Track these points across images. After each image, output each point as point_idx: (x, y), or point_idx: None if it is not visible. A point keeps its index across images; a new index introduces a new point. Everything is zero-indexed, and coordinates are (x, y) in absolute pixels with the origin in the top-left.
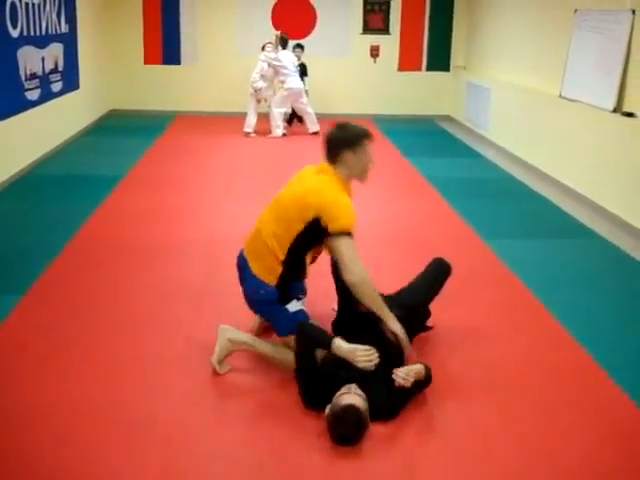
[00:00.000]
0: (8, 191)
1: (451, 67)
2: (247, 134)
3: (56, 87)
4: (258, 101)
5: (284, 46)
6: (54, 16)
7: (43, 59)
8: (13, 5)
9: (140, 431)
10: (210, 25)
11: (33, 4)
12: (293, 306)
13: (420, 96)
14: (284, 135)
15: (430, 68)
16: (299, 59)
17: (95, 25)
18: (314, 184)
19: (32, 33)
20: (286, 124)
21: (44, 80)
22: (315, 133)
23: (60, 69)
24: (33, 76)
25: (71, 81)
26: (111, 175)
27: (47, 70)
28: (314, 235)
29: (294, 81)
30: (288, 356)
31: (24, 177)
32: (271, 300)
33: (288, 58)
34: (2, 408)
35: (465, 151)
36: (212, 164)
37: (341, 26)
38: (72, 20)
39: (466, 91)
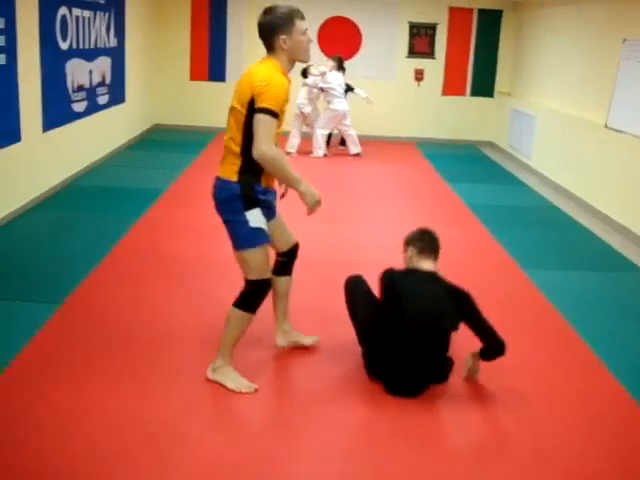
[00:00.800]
0: (51, 201)
1: (495, 93)
2: (289, 154)
3: (102, 100)
4: (307, 124)
5: (340, 68)
6: (103, 30)
7: (91, 72)
8: (64, 18)
9: (171, 448)
10: (256, 44)
11: (83, 17)
12: (254, 219)
13: (463, 121)
14: (325, 156)
15: (474, 93)
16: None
17: (143, 40)
18: (252, 70)
19: (81, 46)
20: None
21: (91, 93)
22: (357, 155)
23: (107, 82)
24: (80, 88)
25: (117, 94)
26: (152, 189)
27: (94, 83)
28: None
29: (340, 103)
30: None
31: (67, 187)
32: (234, 196)
33: (337, 80)
34: (33, 416)
35: (507, 178)
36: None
37: (386, 49)
38: (121, 34)
39: (510, 118)
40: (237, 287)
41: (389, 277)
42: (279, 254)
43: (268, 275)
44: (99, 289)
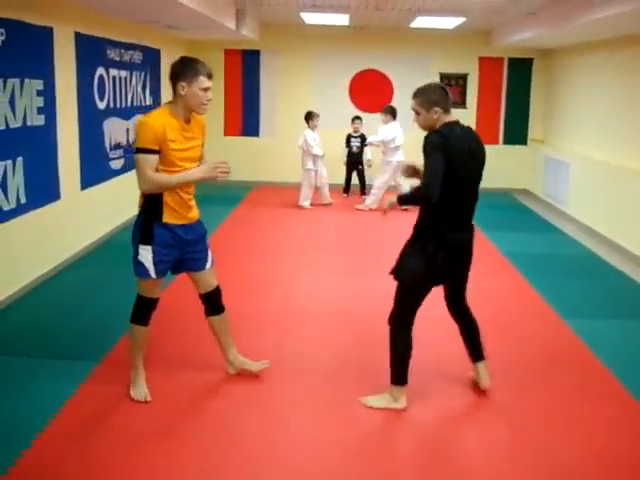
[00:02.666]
0: (89, 257)
1: (528, 140)
2: (300, 207)
3: None
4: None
5: (394, 117)
6: (139, 89)
7: (127, 130)
8: (101, 78)
9: None
10: (289, 100)
11: (120, 77)
12: (143, 254)
13: (497, 169)
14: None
15: (507, 141)
16: (358, 130)
17: None
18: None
19: (118, 105)
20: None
21: (128, 150)
22: (406, 210)
23: None
24: (117, 146)
25: None
26: None
27: (131, 140)
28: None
29: (400, 154)
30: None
31: (105, 243)
32: (136, 228)
33: (396, 131)
34: (77, 478)
35: (543, 226)
36: (287, 233)
37: None
38: (156, 92)
39: (544, 165)
40: (271, 340)
41: (442, 139)
42: (199, 295)
43: (152, 295)
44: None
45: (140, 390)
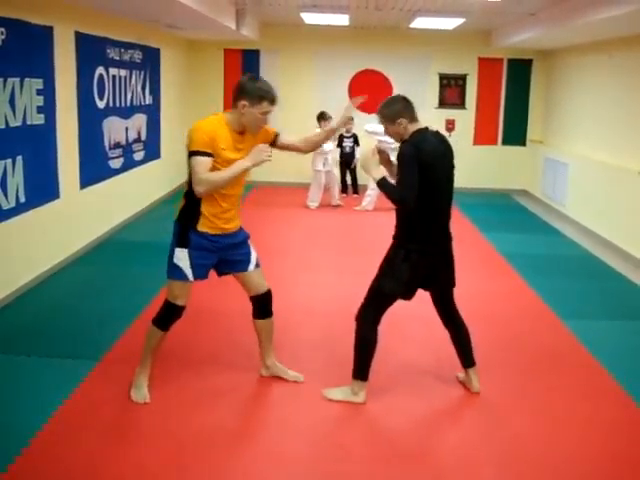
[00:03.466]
0: (89, 256)
1: (527, 141)
2: (308, 207)
3: (138, 156)
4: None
5: None
6: (139, 88)
7: (127, 129)
8: (101, 77)
9: None
10: (289, 100)
11: (120, 77)
12: (177, 257)
13: (495, 170)
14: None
15: (506, 142)
16: (350, 130)
17: (178, 97)
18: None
19: (117, 104)
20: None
21: (127, 149)
22: None
23: (143, 139)
24: (117, 145)
25: (153, 150)
26: None
27: (130, 140)
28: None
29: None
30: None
31: (104, 242)
32: (174, 232)
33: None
34: (75, 476)
35: (542, 226)
36: (288, 233)
37: (416, 100)
38: (156, 92)
39: (543, 166)
40: (282, 341)
41: (414, 149)
42: (250, 298)
43: (180, 302)
44: (137, 345)
45: (141, 392)
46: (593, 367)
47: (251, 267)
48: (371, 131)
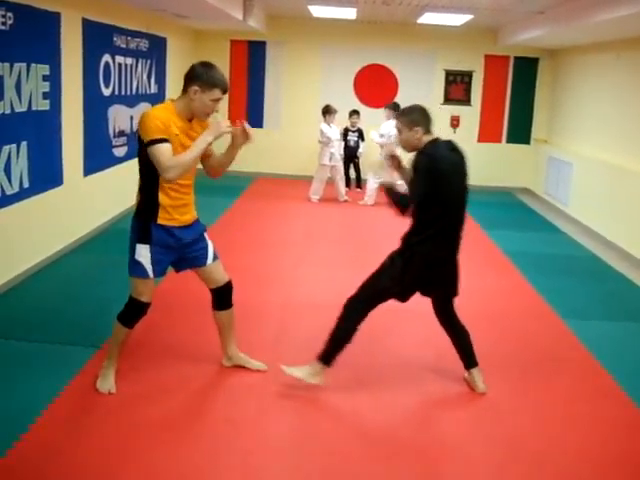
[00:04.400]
0: (90, 244)
1: (532, 140)
2: (310, 200)
3: None
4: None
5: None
6: (145, 77)
7: (132, 118)
8: (107, 65)
9: None
10: (294, 92)
11: (126, 65)
12: (140, 253)
13: (499, 168)
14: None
15: (510, 140)
16: (355, 125)
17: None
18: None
19: (123, 92)
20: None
21: (131, 138)
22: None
23: None
24: (121, 134)
25: None
26: None
27: (135, 128)
28: (147, 156)
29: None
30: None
31: (106, 231)
32: (133, 228)
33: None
34: (71, 459)
35: (544, 226)
36: (289, 226)
37: (422, 95)
38: (161, 81)
39: (547, 165)
40: (270, 332)
41: (429, 161)
42: (210, 290)
43: (144, 299)
44: (137, 333)
45: (107, 383)
46: (593, 367)
47: (209, 261)
48: (378, 141)
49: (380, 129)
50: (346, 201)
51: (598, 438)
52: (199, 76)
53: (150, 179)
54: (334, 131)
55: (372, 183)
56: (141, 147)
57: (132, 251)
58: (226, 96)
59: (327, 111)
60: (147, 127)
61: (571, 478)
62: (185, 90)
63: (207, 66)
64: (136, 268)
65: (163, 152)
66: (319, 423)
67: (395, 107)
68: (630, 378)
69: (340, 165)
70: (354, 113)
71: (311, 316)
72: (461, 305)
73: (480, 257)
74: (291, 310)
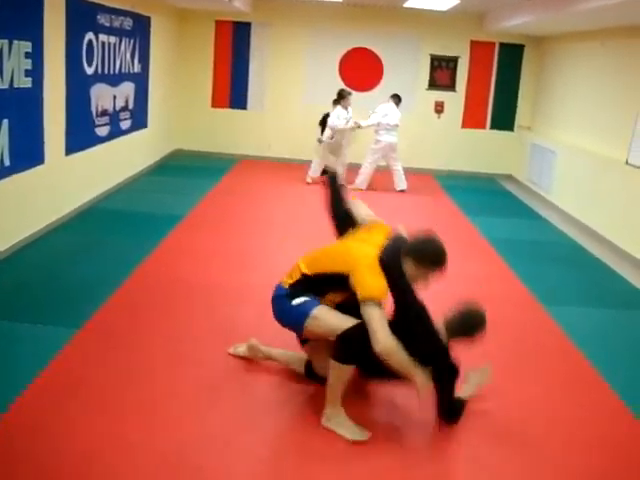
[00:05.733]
0: (72, 224)
1: (515, 127)
2: (308, 184)
3: (125, 125)
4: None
5: (397, 104)
6: (128, 56)
7: (115, 97)
8: (90, 43)
9: (187, 477)
10: (278, 74)
11: (109, 43)
12: (296, 301)
13: (482, 154)
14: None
15: (494, 127)
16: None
17: (166, 67)
18: (368, 250)
19: (106, 71)
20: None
21: (114, 117)
22: (402, 191)
23: (130, 107)
24: (104, 113)
25: (140, 120)
26: (172, 214)
27: (118, 108)
28: (336, 282)
29: (392, 136)
30: (297, 362)
31: (88, 210)
32: (281, 295)
33: (391, 111)
34: (51, 441)
35: (526, 212)
36: (274, 209)
37: (407, 81)
38: (145, 61)
39: (530, 152)
40: (255, 313)
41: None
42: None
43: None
44: (118, 314)
45: (354, 429)
46: (571, 352)
47: None
48: (369, 124)
49: (377, 108)
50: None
51: (572, 420)
52: (417, 251)
53: (323, 281)
54: (341, 120)
55: (364, 167)
56: (340, 278)
57: (288, 307)
58: (210, 78)
59: (341, 96)
60: (371, 283)
61: (548, 460)
62: (403, 256)
63: (409, 253)
64: (302, 308)
65: (382, 320)
66: (302, 397)
67: (397, 97)
68: (606, 362)
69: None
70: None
71: None
72: (443, 290)
73: (462, 243)
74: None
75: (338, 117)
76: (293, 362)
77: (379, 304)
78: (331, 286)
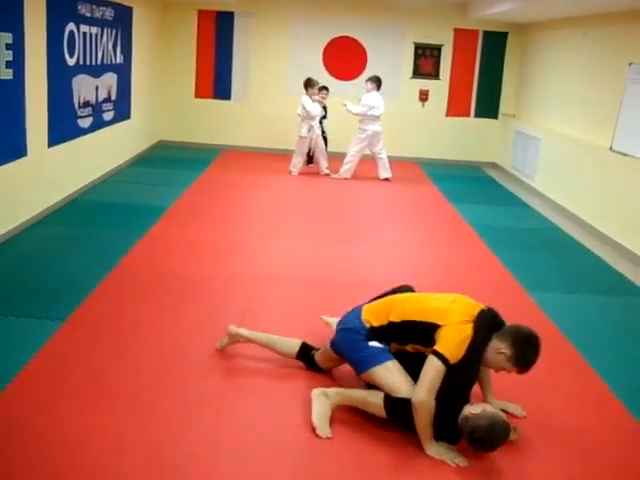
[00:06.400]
0: (55, 216)
1: (500, 114)
2: (290, 172)
3: (108, 116)
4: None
5: (379, 87)
6: (110, 46)
7: (97, 88)
8: (71, 34)
9: (174, 470)
10: (262, 64)
11: (91, 34)
12: (374, 343)
13: (467, 142)
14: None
15: (478, 114)
16: (323, 100)
17: (149, 57)
18: (464, 311)
19: (88, 62)
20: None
21: (97, 109)
22: (386, 179)
23: (113, 99)
24: (86, 104)
25: (123, 111)
26: (156, 205)
27: (100, 99)
28: (419, 333)
29: (377, 125)
30: (288, 346)
31: (72, 203)
32: (357, 329)
33: (378, 101)
34: (35, 435)
35: (511, 200)
36: (258, 199)
37: (391, 69)
38: (127, 51)
39: (514, 139)
40: (241, 305)
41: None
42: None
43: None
44: (103, 306)
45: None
46: (555, 337)
47: None
48: (356, 111)
49: (362, 100)
50: (327, 175)
51: (558, 403)
52: (518, 345)
53: (409, 330)
54: (316, 106)
55: (350, 155)
56: (427, 327)
57: (362, 345)
58: (194, 68)
59: (309, 84)
60: (453, 343)
61: (533, 444)
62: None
63: (529, 345)
64: (380, 353)
65: (438, 379)
66: (290, 391)
67: (377, 80)
68: (590, 348)
69: (320, 138)
70: (323, 88)
71: (279, 288)
72: (428, 277)
73: (447, 230)
74: (259, 282)
75: (311, 103)
76: (280, 345)
77: (446, 364)
78: (412, 336)
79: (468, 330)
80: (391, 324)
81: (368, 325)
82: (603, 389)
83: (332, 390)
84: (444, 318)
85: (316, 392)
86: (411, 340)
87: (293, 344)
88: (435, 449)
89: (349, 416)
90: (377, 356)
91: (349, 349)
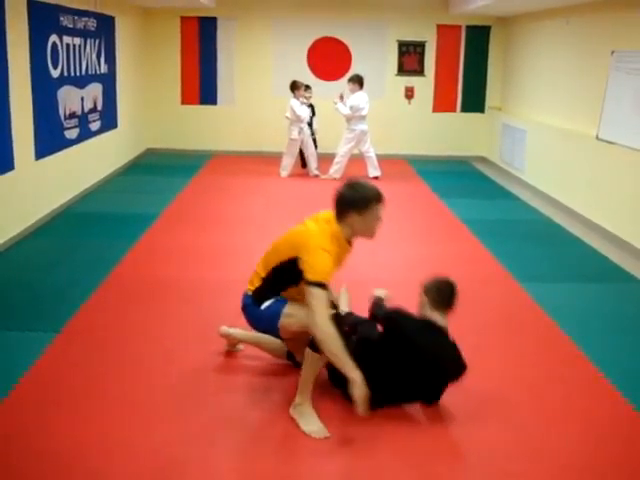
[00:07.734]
0: (45, 228)
1: (486, 108)
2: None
3: (94, 126)
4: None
5: (361, 86)
6: (94, 57)
7: (82, 99)
8: (54, 46)
9: (172, 476)
10: (247, 67)
11: (74, 45)
12: (265, 304)
13: (454, 137)
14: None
15: (465, 109)
16: (308, 100)
17: (134, 65)
18: (310, 229)
19: (72, 73)
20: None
21: (83, 119)
22: (375, 178)
23: (99, 109)
24: (72, 115)
25: (109, 120)
26: (147, 213)
27: (86, 109)
28: (290, 271)
29: (364, 124)
30: (274, 343)
31: (61, 214)
32: (248, 303)
33: (364, 101)
34: (33, 447)
35: (500, 192)
36: (248, 203)
37: (376, 67)
38: (111, 60)
39: (501, 132)
40: (234, 309)
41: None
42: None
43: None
44: (97, 316)
45: (317, 425)
46: (549, 327)
47: None
48: (346, 113)
49: (348, 102)
50: (317, 176)
51: (552, 393)
52: (351, 202)
53: (279, 278)
54: (304, 108)
55: (339, 156)
56: (291, 263)
57: (258, 313)
58: (179, 75)
59: (295, 87)
60: (322, 262)
61: (533, 438)
62: (340, 219)
63: (352, 187)
64: (274, 308)
65: (324, 303)
66: (282, 391)
67: (359, 79)
68: (584, 336)
69: (310, 140)
70: (307, 88)
71: None
72: (419, 272)
73: (437, 225)
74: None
75: (300, 106)
76: (272, 345)
77: (325, 287)
78: (289, 278)
79: (325, 243)
80: (264, 279)
81: (250, 293)
82: (597, 376)
83: (297, 399)
84: (295, 249)
85: (291, 409)
86: (288, 284)
87: (283, 344)
88: (357, 372)
89: (342, 413)
90: (272, 312)
91: (256, 323)
